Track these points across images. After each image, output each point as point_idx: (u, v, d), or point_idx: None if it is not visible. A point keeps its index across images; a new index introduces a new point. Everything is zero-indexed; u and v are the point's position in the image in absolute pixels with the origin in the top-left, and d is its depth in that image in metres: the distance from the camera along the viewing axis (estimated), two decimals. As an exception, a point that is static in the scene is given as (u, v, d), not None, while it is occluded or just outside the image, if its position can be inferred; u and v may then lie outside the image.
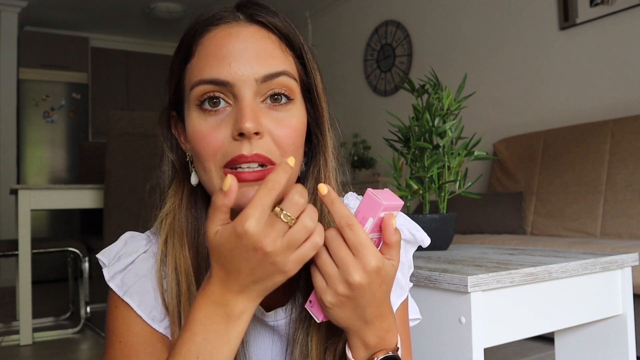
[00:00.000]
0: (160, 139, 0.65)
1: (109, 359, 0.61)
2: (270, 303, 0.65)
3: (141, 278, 0.63)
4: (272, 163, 0.56)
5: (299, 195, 0.48)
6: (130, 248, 0.66)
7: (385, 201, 0.52)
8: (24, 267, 2.64)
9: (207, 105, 0.56)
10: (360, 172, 4.33)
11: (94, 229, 3.92)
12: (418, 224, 1.28)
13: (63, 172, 4.96)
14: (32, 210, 2.64)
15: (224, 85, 0.55)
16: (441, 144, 1.25)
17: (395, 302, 0.65)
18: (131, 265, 0.64)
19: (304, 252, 0.49)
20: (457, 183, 1.26)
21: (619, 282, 1.07)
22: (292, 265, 0.49)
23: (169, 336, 0.63)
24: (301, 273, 0.64)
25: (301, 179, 0.64)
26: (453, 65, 3.71)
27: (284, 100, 0.58)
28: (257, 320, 0.66)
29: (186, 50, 0.59)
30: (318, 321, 0.56)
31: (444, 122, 1.25)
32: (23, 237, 2.63)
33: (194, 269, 0.61)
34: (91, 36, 5.55)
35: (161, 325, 0.62)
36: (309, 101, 0.62)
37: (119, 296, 0.63)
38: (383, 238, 0.53)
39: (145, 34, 5.79)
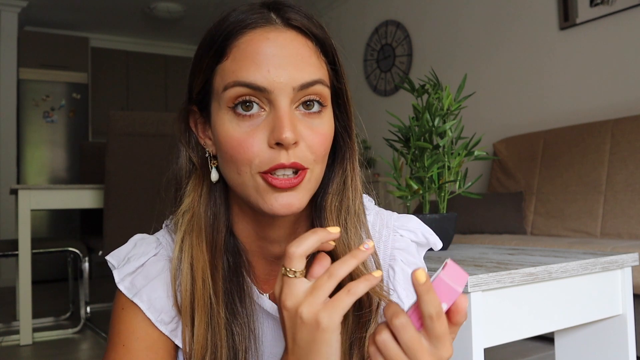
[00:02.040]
0: (178, 133, 0.65)
1: None
2: None
3: (151, 281, 0.63)
4: (305, 169, 0.57)
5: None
6: (140, 250, 0.66)
7: (460, 287, 0.50)
8: (24, 267, 2.64)
9: (240, 109, 0.56)
10: (360, 172, 4.33)
11: (94, 229, 3.91)
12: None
13: (63, 172, 4.96)
14: (32, 210, 2.64)
15: (260, 90, 0.55)
16: (441, 144, 1.25)
17: (408, 303, 0.65)
18: (141, 268, 0.64)
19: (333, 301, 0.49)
20: (457, 183, 1.26)
21: (619, 282, 1.07)
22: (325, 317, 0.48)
23: (174, 339, 0.63)
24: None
25: (326, 181, 0.64)
26: (453, 65, 3.71)
27: (316, 107, 0.58)
28: (269, 317, 0.66)
29: (219, 49, 0.57)
30: None
31: (444, 122, 1.25)
32: (23, 237, 2.63)
33: (210, 267, 0.61)
34: (91, 36, 5.55)
35: (167, 328, 0.62)
36: (337, 106, 0.63)
37: (127, 298, 0.62)
38: (453, 320, 0.51)
39: (145, 34, 5.78)
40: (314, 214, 0.64)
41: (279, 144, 0.54)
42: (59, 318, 3.15)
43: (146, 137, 2.49)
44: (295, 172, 0.56)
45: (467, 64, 3.60)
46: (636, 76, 2.69)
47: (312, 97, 0.57)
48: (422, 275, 0.48)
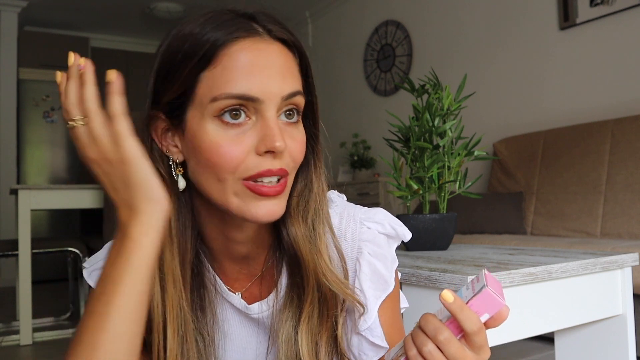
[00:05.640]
0: (140, 139, 0.63)
1: None
2: (252, 296, 0.67)
3: None
4: (287, 175, 0.59)
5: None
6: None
7: (503, 299, 0.53)
8: (24, 267, 2.64)
9: (227, 118, 0.56)
10: (360, 172, 4.34)
11: (94, 229, 3.92)
12: (418, 224, 1.27)
13: (63, 172, 4.96)
14: (32, 210, 2.64)
15: (251, 100, 0.55)
16: (441, 144, 1.25)
17: (381, 296, 0.66)
18: None
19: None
20: (457, 183, 1.26)
21: (619, 282, 1.07)
22: (119, 149, 0.53)
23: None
24: (281, 266, 0.66)
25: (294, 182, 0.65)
26: (453, 65, 3.71)
27: (295, 117, 0.60)
28: (240, 314, 0.68)
29: (205, 57, 0.56)
30: None
31: (444, 122, 1.25)
32: (23, 237, 2.63)
33: (182, 275, 0.61)
34: (91, 36, 5.55)
35: None
36: (305, 116, 0.64)
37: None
38: (491, 326, 0.54)
39: (145, 34, 5.78)
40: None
41: (268, 152, 0.56)
42: (59, 318, 3.15)
43: (146, 137, 2.48)
44: (278, 180, 0.58)
45: (467, 64, 3.60)
46: (636, 76, 2.69)
47: (292, 107, 0.59)
48: (448, 296, 0.51)
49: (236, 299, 0.67)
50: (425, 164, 1.23)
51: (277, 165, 0.56)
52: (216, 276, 0.67)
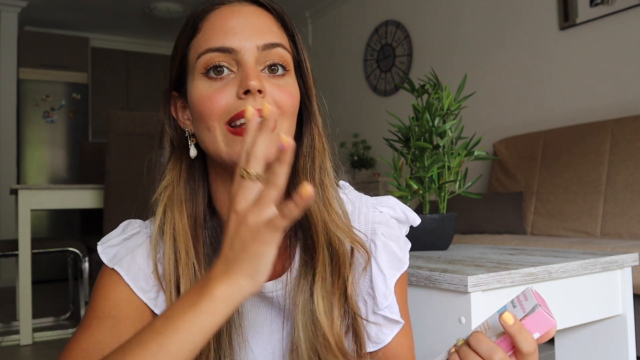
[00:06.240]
0: (162, 117, 0.70)
1: (81, 327, 0.63)
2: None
3: (132, 252, 0.67)
4: None
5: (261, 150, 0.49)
6: (127, 229, 0.71)
7: (554, 318, 0.54)
8: (24, 267, 2.64)
9: (212, 74, 0.62)
10: (360, 172, 4.33)
11: (94, 229, 3.91)
12: (418, 224, 1.27)
13: (63, 172, 4.96)
14: (32, 210, 2.64)
15: (229, 52, 0.61)
16: (441, 144, 1.25)
17: (396, 275, 0.70)
18: (125, 241, 0.68)
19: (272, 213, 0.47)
20: (457, 183, 1.26)
21: (619, 282, 1.07)
22: (265, 231, 0.47)
23: (153, 308, 0.65)
24: (295, 243, 0.68)
25: (296, 145, 0.66)
26: (453, 65, 3.71)
27: (280, 70, 0.64)
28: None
29: (192, 28, 0.65)
30: None
31: (444, 122, 1.25)
32: (23, 237, 2.63)
33: (192, 237, 0.65)
34: (91, 36, 5.54)
35: (147, 297, 0.65)
36: (300, 76, 0.69)
37: (107, 268, 0.66)
38: (538, 342, 0.55)
39: (145, 34, 5.78)
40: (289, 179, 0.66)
41: (246, 93, 0.60)
42: (59, 318, 3.15)
43: (146, 137, 2.48)
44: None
45: (467, 64, 3.60)
46: (636, 76, 2.69)
47: (275, 60, 0.64)
48: (509, 318, 0.53)
49: None
50: (425, 164, 1.23)
51: (256, 106, 0.59)
52: None
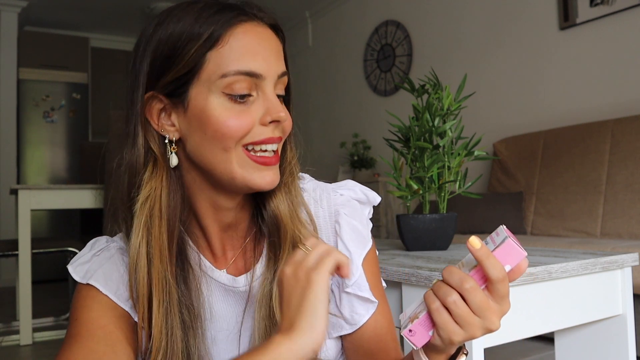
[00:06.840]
0: (131, 117, 0.66)
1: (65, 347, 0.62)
2: (238, 270, 0.71)
3: (104, 265, 0.67)
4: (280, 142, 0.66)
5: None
6: (95, 246, 0.72)
7: (524, 250, 0.54)
8: (24, 267, 2.64)
9: (236, 94, 0.62)
10: (360, 172, 4.33)
11: (94, 229, 3.91)
12: (418, 224, 1.27)
13: (63, 172, 4.96)
14: (32, 210, 2.64)
15: (256, 77, 0.62)
16: (441, 144, 1.25)
17: (361, 253, 0.72)
18: (95, 257, 0.69)
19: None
20: (457, 183, 1.26)
21: (619, 282, 1.07)
22: (318, 277, 0.54)
23: (134, 316, 0.65)
24: (263, 237, 0.71)
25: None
26: (453, 65, 3.71)
27: (284, 96, 0.67)
28: (227, 292, 0.70)
29: (212, 37, 0.61)
30: (415, 349, 0.59)
31: (444, 122, 1.25)
32: (23, 237, 2.63)
33: (168, 250, 0.64)
34: (91, 36, 5.55)
35: (127, 304, 0.65)
36: (287, 92, 0.71)
37: (83, 285, 0.66)
38: (511, 278, 0.55)
39: (145, 34, 5.78)
40: None
41: (272, 122, 0.63)
42: (59, 318, 3.15)
43: (146, 137, 2.48)
44: (273, 152, 0.65)
45: (467, 64, 3.60)
46: (636, 76, 2.69)
47: (284, 88, 0.67)
48: (476, 242, 0.53)
49: (222, 275, 0.70)
50: (425, 164, 1.23)
51: (277, 134, 0.64)
52: (200, 255, 0.70)
